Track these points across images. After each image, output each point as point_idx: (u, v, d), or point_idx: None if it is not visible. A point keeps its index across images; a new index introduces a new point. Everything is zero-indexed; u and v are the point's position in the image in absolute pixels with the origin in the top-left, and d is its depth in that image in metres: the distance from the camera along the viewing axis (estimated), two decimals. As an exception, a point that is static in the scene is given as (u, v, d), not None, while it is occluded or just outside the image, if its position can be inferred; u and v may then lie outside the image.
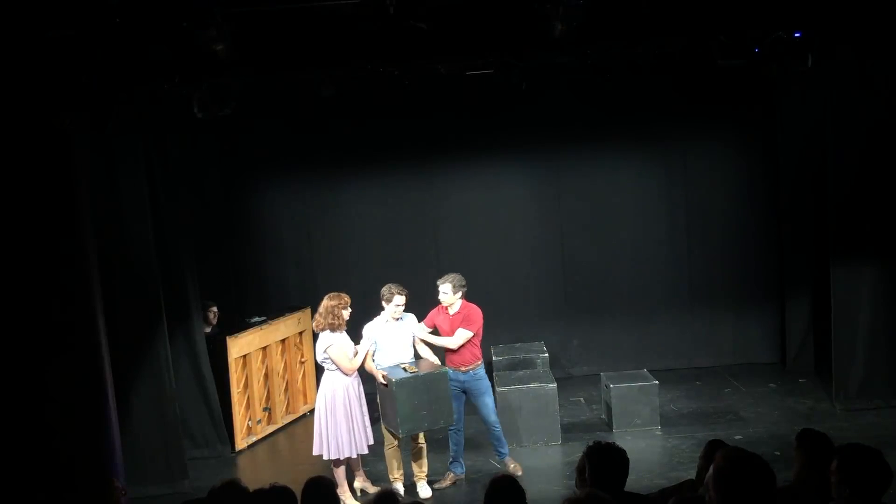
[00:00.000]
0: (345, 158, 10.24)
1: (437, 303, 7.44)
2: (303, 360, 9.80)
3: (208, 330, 8.97)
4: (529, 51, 7.33)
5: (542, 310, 10.39)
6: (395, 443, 7.28)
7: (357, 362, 7.15)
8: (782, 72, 7.63)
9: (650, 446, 8.06)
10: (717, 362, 10.38)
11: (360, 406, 7.22)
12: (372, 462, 7.79)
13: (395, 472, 7.35)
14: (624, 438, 8.16)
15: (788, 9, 6.85)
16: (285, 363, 9.60)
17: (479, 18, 6.71)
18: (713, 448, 4.51)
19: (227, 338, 8.67)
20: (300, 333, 9.78)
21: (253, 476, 7.71)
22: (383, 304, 7.21)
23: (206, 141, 9.58)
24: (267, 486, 4.28)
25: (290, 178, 10.45)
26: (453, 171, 10.40)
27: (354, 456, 7.20)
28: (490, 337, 9.29)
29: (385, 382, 7.01)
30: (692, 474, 5.15)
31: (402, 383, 6.86)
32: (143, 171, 7.64)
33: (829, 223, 8.55)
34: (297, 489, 4.28)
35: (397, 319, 7.22)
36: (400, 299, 7.13)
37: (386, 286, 7.21)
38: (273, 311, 9.56)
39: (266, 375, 9.25)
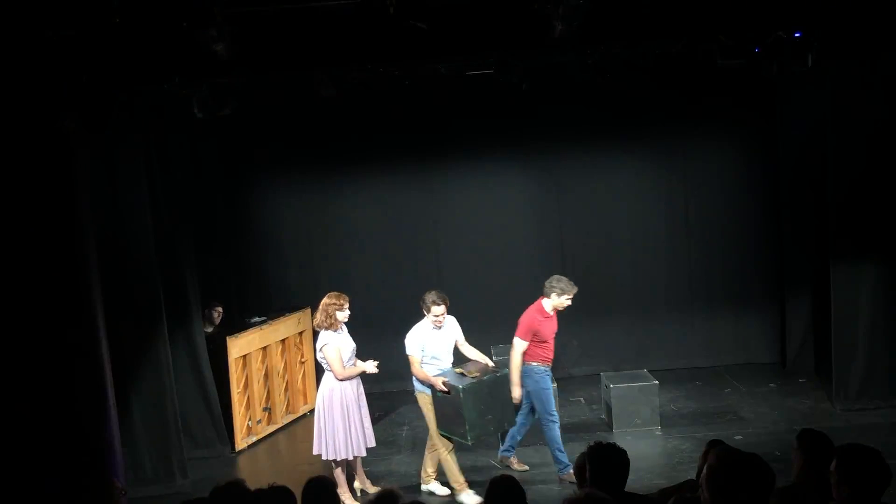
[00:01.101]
0: (345, 158, 10.24)
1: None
2: (303, 360, 9.80)
3: (209, 330, 8.97)
4: (529, 51, 7.32)
5: (542, 310, 10.37)
6: (448, 449, 7.12)
7: (350, 372, 7.06)
8: (782, 72, 7.62)
9: (650, 446, 8.07)
10: (717, 362, 10.38)
11: (360, 408, 7.18)
12: (372, 462, 7.79)
13: (431, 469, 7.31)
14: (624, 438, 8.16)
15: (788, 9, 6.85)
16: (285, 363, 9.60)
17: (479, 18, 6.70)
18: (713, 448, 4.51)
19: (227, 338, 8.67)
20: (300, 333, 9.78)
21: (253, 476, 7.69)
22: (424, 311, 7.10)
23: (206, 141, 9.58)
24: (266, 486, 4.28)
25: (290, 179, 10.46)
26: (453, 171, 10.40)
27: (350, 458, 7.17)
28: (490, 337, 9.31)
29: (446, 389, 6.84)
30: (692, 474, 5.15)
31: (468, 389, 6.71)
32: (143, 171, 7.64)
33: (829, 223, 8.55)
34: (297, 489, 4.27)
35: (439, 327, 7.12)
36: (438, 309, 7.01)
37: (426, 294, 7.09)
38: (273, 311, 9.57)
39: (266, 375, 9.25)
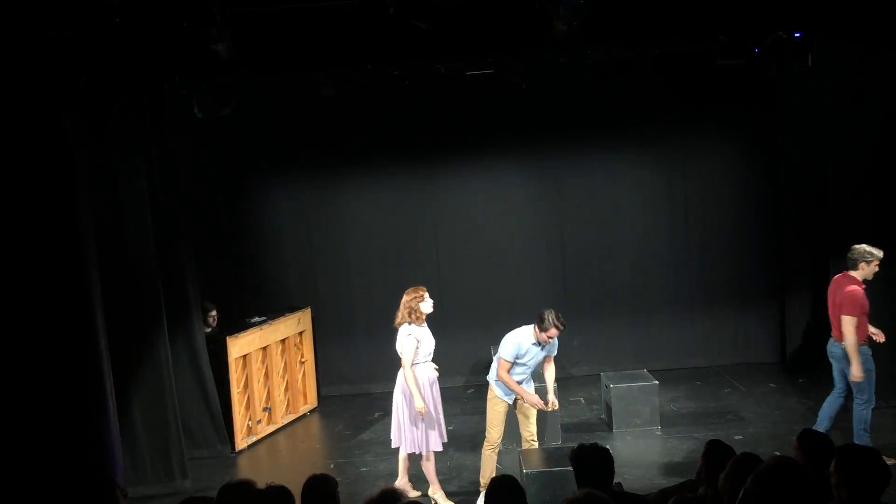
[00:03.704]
0: (345, 158, 10.25)
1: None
2: (303, 360, 9.81)
3: (208, 331, 8.97)
4: (529, 51, 7.34)
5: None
6: (493, 448, 7.01)
7: (410, 375, 6.79)
8: (782, 72, 7.62)
9: (650, 446, 8.06)
10: (717, 362, 10.39)
11: (435, 405, 7.01)
12: (372, 461, 7.78)
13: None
14: (624, 438, 8.18)
15: (788, 9, 6.86)
16: (285, 363, 9.60)
17: (479, 18, 6.72)
18: (713, 448, 4.52)
19: (227, 338, 8.67)
20: (300, 333, 9.79)
21: (253, 476, 7.63)
22: (537, 325, 6.76)
23: (206, 141, 9.58)
24: (263, 486, 4.28)
25: (290, 178, 10.46)
26: (453, 171, 10.41)
27: (417, 451, 7.00)
28: (490, 336, 9.29)
29: (540, 404, 6.80)
30: (692, 474, 5.15)
31: (533, 477, 6.30)
32: (143, 171, 7.63)
33: (829, 223, 8.55)
34: (297, 489, 4.28)
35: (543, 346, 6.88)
36: (554, 332, 6.73)
37: (550, 312, 6.72)
38: (273, 311, 9.56)
39: (266, 375, 9.26)
